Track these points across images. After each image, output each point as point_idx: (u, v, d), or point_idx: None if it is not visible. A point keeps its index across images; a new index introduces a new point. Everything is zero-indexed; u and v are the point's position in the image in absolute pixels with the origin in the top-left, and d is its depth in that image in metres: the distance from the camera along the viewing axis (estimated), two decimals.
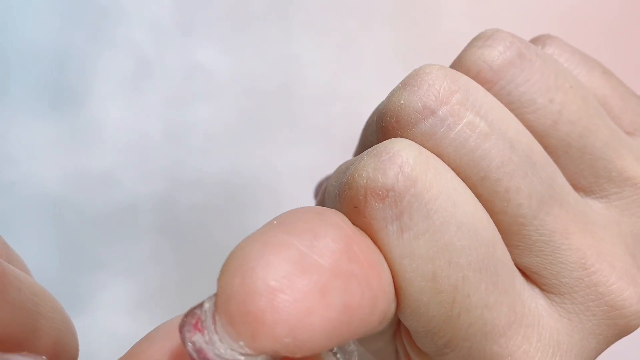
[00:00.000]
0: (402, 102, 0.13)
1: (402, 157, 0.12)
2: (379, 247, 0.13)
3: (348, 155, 0.22)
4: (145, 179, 0.30)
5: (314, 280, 0.11)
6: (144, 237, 0.30)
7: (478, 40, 0.15)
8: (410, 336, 0.15)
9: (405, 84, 0.13)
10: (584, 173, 0.15)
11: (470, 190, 0.13)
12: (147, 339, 0.12)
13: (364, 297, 0.11)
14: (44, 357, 0.12)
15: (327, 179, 0.19)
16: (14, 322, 0.12)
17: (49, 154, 0.30)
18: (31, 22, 0.30)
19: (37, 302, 0.13)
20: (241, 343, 0.10)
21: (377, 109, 0.15)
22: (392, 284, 0.13)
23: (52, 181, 0.30)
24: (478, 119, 0.13)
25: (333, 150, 0.31)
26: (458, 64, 0.15)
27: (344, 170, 0.14)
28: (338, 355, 0.12)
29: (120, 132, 0.30)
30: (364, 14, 0.32)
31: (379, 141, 0.13)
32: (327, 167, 0.30)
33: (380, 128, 0.14)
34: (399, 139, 0.13)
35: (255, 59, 0.31)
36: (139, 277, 0.30)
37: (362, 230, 0.13)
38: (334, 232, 0.12)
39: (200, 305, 0.11)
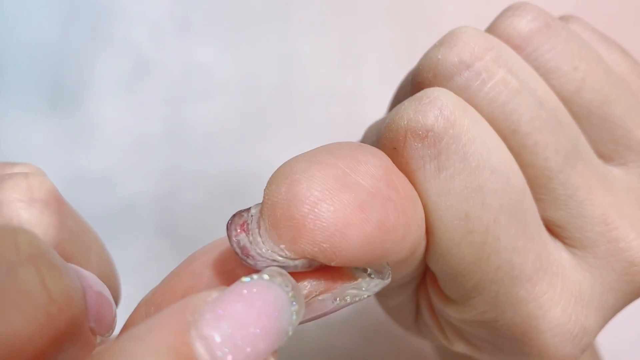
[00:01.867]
0: (439, 57, 0.14)
1: (441, 100, 0.13)
2: (414, 186, 0.13)
3: None
4: (144, 179, 0.30)
5: (353, 196, 0.12)
6: (144, 237, 0.30)
7: (508, 10, 0.15)
8: (437, 284, 0.15)
9: (441, 42, 0.14)
10: (604, 140, 0.15)
11: (502, 142, 0.14)
12: (192, 255, 0.13)
13: (399, 221, 0.12)
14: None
15: None
16: (72, 247, 0.13)
17: (48, 154, 0.30)
18: (29, 21, 0.30)
19: (90, 237, 0.14)
20: (282, 246, 0.11)
21: (411, 71, 0.16)
22: (424, 220, 0.13)
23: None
24: (510, 76, 0.14)
25: None
26: (489, 32, 0.15)
27: (380, 122, 0.15)
28: (372, 276, 0.13)
29: (119, 131, 0.30)
30: (364, 14, 0.32)
31: None
32: None
33: (416, 84, 0.15)
34: (437, 88, 0.14)
35: (255, 58, 0.31)
36: (138, 277, 0.30)
37: (400, 171, 0.13)
38: (375, 161, 0.12)
39: (248, 209, 0.12)
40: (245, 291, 0.10)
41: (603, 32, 0.17)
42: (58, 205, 0.13)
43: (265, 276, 0.10)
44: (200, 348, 0.09)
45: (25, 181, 0.13)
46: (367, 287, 0.12)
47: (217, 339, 0.09)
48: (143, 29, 0.31)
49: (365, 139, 0.16)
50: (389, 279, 0.13)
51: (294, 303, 0.10)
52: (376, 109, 0.27)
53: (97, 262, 0.14)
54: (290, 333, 0.10)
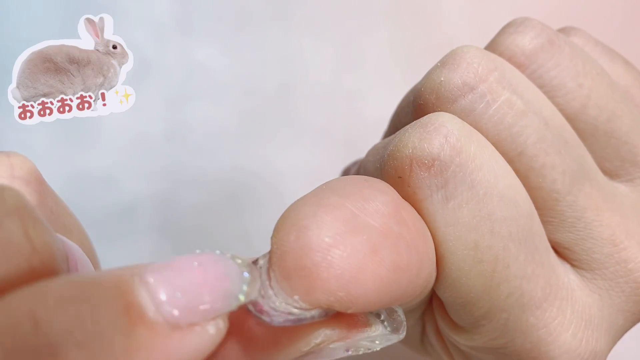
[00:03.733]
0: (441, 79, 0.14)
1: (447, 127, 0.13)
2: (422, 216, 0.13)
3: (348, 154, 0.22)
4: (145, 179, 0.30)
5: (365, 239, 0.11)
6: (144, 237, 0.30)
7: (510, 27, 0.15)
8: (445, 311, 0.15)
9: (444, 63, 0.14)
10: (610, 157, 0.15)
11: (509, 165, 0.14)
12: None
13: (412, 259, 0.12)
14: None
15: (355, 164, 0.20)
16: (51, 226, 0.13)
17: (48, 154, 0.30)
18: (30, 22, 0.30)
19: (71, 222, 0.14)
20: (296, 297, 0.11)
21: (413, 89, 0.16)
22: (434, 252, 0.13)
23: (51, 181, 0.30)
24: (515, 97, 0.14)
25: (333, 150, 0.31)
26: (491, 50, 0.15)
27: (382, 146, 0.14)
28: (385, 323, 0.12)
29: (120, 132, 0.30)
30: (364, 14, 0.32)
31: (416, 120, 0.14)
32: (327, 166, 0.29)
33: (418, 106, 0.14)
34: (442, 113, 0.13)
35: (255, 59, 0.31)
36: None
37: (406, 200, 0.13)
38: (383, 197, 0.12)
39: (255, 261, 0.11)
40: (193, 256, 0.10)
41: (605, 44, 0.16)
42: (38, 184, 0.13)
43: (217, 251, 0.10)
44: (142, 291, 0.09)
45: (6, 159, 0.13)
46: (380, 341, 0.12)
47: (160, 286, 0.09)
48: (144, 29, 0.31)
49: (368, 163, 0.15)
50: (404, 334, 0.12)
51: (246, 274, 0.10)
52: (376, 109, 0.27)
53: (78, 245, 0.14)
54: (242, 300, 0.10)
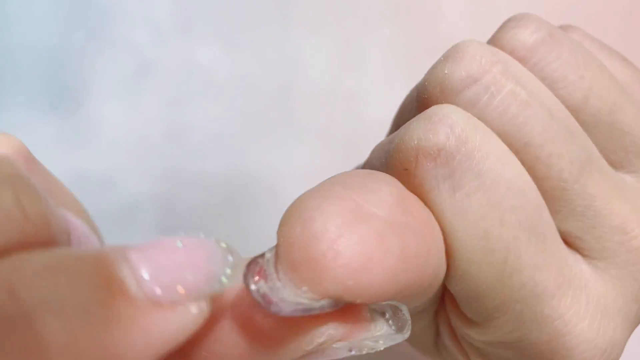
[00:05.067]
0: (445, 72, 0.14)
1: (452, 118, 0.13)
2: (429, 208, 0.13)
3: (348, 155, 0.22)
4: (145, 179, 0.30)
5: (371, 227, 0.11)
6: (144, 237, 0.30)
7: (510, 22, 0.15)
8: (457, 306, 0.15)
9: (447, 57, 0.14)
10: (613, 148, 0.15)
11: (515, 156, 0.14)
12: None
13: (419, 248, 0.12)
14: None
15: (358, 168, 0.20)
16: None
17: (48, 154, 0.30)
18: (30, 22, 0.30)
19: (68, 199, 0.14)
20: (304, 288, 0.11)
21: (416, 87, 0.16)
22: (443, 243, 0.13)
23: None
24: (519, 88, 0.14)
25: (333, 150, 0.31)
26: (492, 45, 0.15)
27: (387, 142, 0.15)
28: (390, 322, 0.12)
29: (120, 132, 0.30)
30: (364, 14, 0.32)
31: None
32: (327, 167, 0.29)
33: (423, 100, 0.14)
34: (446, 104, 0.13)
35: (255, 58, 0.31)
36: None
37: (413, 193, 0.13)
38: (388, 188, 0.12)
39: (262, 255, 0.11)
40: (177, 237, 0.10)
41: (602, 41, 0.17)
42: (27, 163, 0.13)
43: (201, 234, 0.10)
44: (124, 267, 0.09)
45: None
46: (384, 341, 0.12)
47: (143, 264, 0.09)
48: (144, 30, 0.31)
49: (373, 160, 0.15)
50: (408, 333, 0.12)
51: (230, 257, 0.10)
52: (376, 109, 0.27)
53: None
54: (225, 282, 0.10)
